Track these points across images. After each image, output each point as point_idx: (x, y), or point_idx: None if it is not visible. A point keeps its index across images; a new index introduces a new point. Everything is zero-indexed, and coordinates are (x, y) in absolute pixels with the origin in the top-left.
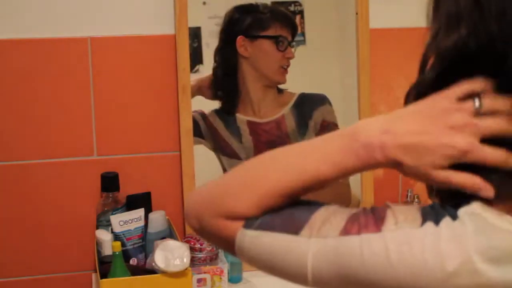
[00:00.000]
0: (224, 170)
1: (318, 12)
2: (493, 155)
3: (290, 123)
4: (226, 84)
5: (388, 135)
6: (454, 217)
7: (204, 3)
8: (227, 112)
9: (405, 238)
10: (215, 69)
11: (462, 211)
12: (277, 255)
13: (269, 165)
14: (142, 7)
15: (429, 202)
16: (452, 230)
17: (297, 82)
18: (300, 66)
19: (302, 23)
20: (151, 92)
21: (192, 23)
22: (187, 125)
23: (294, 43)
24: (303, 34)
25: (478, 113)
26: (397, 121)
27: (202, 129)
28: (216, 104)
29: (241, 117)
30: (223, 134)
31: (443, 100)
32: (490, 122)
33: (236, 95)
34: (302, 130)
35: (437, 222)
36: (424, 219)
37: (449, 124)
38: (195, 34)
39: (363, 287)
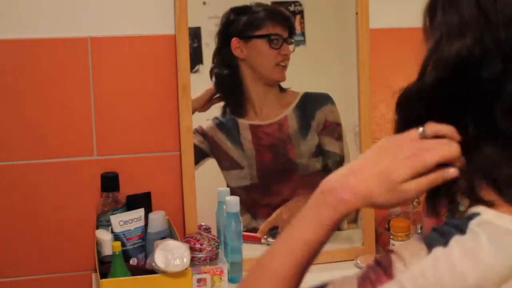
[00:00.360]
0: (229, 186)
1: (318, 12)
2: (446, 152)
3: (293, 125)
4: (230, 87)
5: (350, 176)
6: (463, 231)
7: (204, 3)
8: (235, 115)
9: (418, 272)
10: (213, 72)
11: (473, 224)
12: None
13: (263, 264)
14: (142, 7)
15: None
16: (463, 246)
17: (297, 82)
18: (300, 66)
19: (302, 23)
20: (151, 92)
21: (192, 23)
22: (187, 125)
23: (292, 39)
24: (303, 34)
25: (422, 136)
26: (354, 164)
27: (206, 148)
28: (212, 116)
29: (243, 122)
30: (225, 147)
31: (385, 140)
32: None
33: (241, 96)
34: (304, 131)
35: (445, 243)
36: (430, 246)
37: (396, 146)
38: (195, 34)
39: None
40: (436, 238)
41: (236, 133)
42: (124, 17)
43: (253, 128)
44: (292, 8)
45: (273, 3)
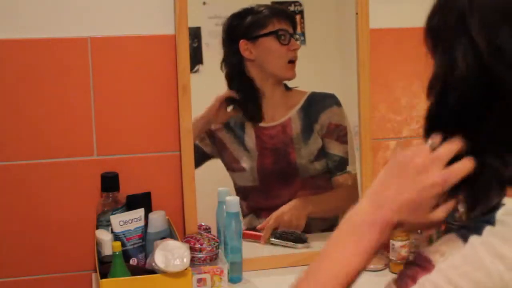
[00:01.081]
0: (235, 184)
1: (318, 12)
2: (463, 167)
3: (296, 127)
4: (244, 94)
5: (381, 210)
6: (492, 223)
7: (204, 3)
8: (253, 120)
9: (459, 259)
10: (227, 79)
11: (500, 214)
12: None
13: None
14: (142, 7)
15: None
16: (497, 234)
17: (297, 82)
18: (300, 66)
19: (302, 23)
20: (151, 92)
21: (192, 23)
22: (187, 125)
23: (297, 35)
24: (303, 34)
25: (433, 148)
26: (377, 192)
27: (210, 150)
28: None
29: (249, 123)
30: (231, 148)
31: (401, 158)
32: (443, 148)
33: (257, 101)
34: (306, 134)
35: (479, 233)
36: (465, 239)
37: (416, 170)
38: (195, 34)
39: None
40: (467, 232)
41: (242, 134)
42: (124, 17)
43: (258, 130)
44: (292, 8)
45: (273, 3)
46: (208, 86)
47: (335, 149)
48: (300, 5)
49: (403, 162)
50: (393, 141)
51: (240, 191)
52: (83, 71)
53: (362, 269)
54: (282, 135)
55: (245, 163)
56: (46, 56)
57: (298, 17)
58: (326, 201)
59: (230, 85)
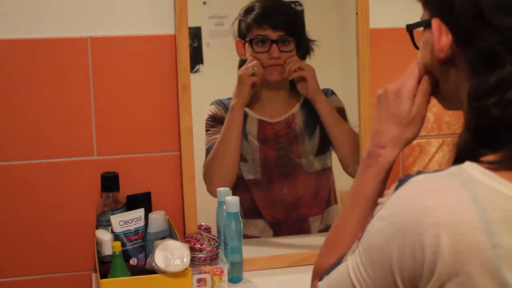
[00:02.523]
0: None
1: (318, 12)
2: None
3: (299, 122)
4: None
5: (375, 138)
6: (440, 171)
7: (204, 3)
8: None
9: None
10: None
11: (453, 168)
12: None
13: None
14: (142, 7)
15: None
16: (429, 175)
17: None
18: None
19: None
20: (151, 92)
21: (192, 23)
22: (187, 125)
23: (288, 38)
24: None
25: None
26: (375, 128)
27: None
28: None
29: (253, 115)
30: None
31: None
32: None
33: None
34: (310, 129)
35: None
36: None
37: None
38: (195, 34)
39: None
40: (408, 176)
41: (244, 123)
42: (124, 17)
43: (261, 123)
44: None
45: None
46: (208, 86)
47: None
48: (300, 5)
49: (380, 99)
50: None
51: (246, 184)
52: (83, 71)
53: (379, 188)
54: (286, 130)
55: (246, 154)
56: (46, 56)
57: None
58: (335, 114)
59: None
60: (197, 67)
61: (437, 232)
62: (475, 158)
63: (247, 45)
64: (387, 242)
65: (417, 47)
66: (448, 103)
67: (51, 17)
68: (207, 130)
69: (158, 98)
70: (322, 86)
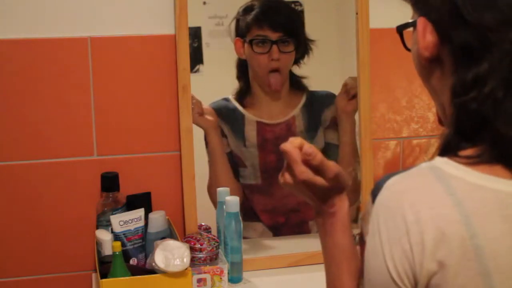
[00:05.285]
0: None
1: (318, 12)
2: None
3: (300, 125)
4: (241, 83)
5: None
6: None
7: (204, 3)
8: (239, 102)
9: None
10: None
11: (422, 165)
12: None
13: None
14: (142, 7)
15: None
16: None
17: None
18: (300, 66)
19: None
20: (151, 92)
21: (192, 23)
22: (187, 125)
23: (288, 39)
24: None
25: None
26: None
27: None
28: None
29: (251, 117)
30: (229, 135)
31: None
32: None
33: (246, 93)
34: (311, 133)
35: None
36: (373, 195)
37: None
38: (195, 34)
39: None
40: (379, 184)
41: (241, 127)
42: (124, 17)
43: (260, 125)
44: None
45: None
46: (208, 86)
47: (334, 139)
48: (300, 5)
49: None
50: (393, 141)
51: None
52: (83, 71)
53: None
54: (287, 132)
55: (245, 159)
56: (46, 56)
57: None
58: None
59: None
60: (197, 67)
61: (420, 229)
62: (454, 152)
63: (246, 45)
64: (382, 258)
65: (407, 49)
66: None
67: (51, 17)
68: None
69: (158, 98)
70: (322, 87)
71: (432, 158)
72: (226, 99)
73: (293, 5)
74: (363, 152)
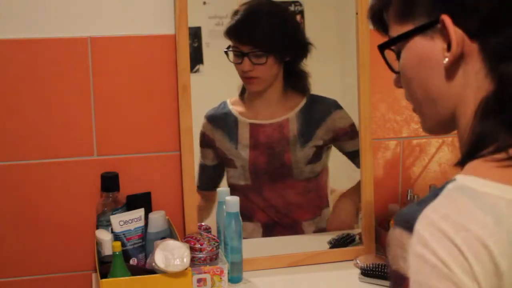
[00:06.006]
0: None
1: (318, 12)
2: None
3: (293, 129)
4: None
5: None
6: (437, 195)
7: (204, 3)
8: (234, 105)
9: (415, 262)
10: None
11: (449, 187)
12: None
13: None
14: (142, 7)
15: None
16: (436, 208)
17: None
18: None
19: (302, 23)
20: (151, 92)
21: (192, 23)
22: (187, 125)
23: (258, 52)
24: None
25: None
26: None
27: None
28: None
29: (244, 120)
30: (218, 143)
31: None
32: None
33: (244, 92)
34: (304, 138)
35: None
36: (410, 229)
37: None
38: (195, 34)
39: None
40: (409, 215)
41: (234, 130)
42: (124, 17)
43: (253, 127)
44: (292, 8)
45: (271, 3)
46: (208, 86)
47: (352, 146)
48: (300, 5)
49: None
50: (393, 141)
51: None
52: (83, 71)
53: None
54: (278, 134)
55: (236, 160)
56: (46, 56)
57: (298, 17)
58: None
59: None
60: (197, 67)
61: (470, 253)
62: (500, 150)
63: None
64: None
65: (395, 71)
66: (438, 119)
67: (51, 17)
68: (200, 145)
69: (158, 98)
70: (322, 87)
71: (459, 164)
72: (224, 103)
73: (293, 5)
74: (363, 152)
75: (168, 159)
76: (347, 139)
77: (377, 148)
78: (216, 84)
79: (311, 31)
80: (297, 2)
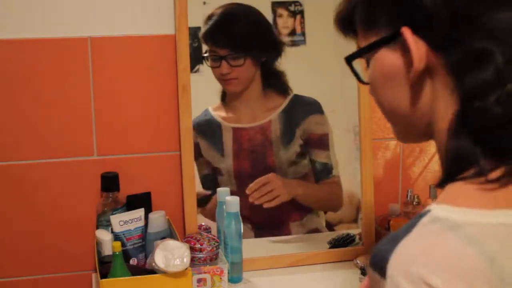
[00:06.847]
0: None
1: (318, 12)
2: None
3: (275, 130)
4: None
5: None
6: (409, 232)
7: (204, 3)
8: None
9: None
10: None
11: (423, 221)
12: None
13: None
14: (142, 7)
15: (429, 201)
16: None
17: (297, 83)
18: (300, 67)
19: (302, 23)
20: (151, 92)
21: (192, 23)
22: (187, 125)
23: (234, 54)
24: (303, 34)
25: None
26: None
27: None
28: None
29: (226, 125)
30: (204, 151)
31: None
32: None
33: (225, 96)
34: (287, 138)
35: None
36: (382, 271)
37: None
38: (195, 34)
39: None
40: (381, 256)
41: (218, 135)
42: (124, 17)
43: (236, 131)
44: (292, 8)
45: (272, 3)
46: (208, 86)
47: (319, 156)
48: (300, 5)
49: None
50: (393, 141)
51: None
52: (83, 71)
53: None
54: (261, 137)
55: (222, 168)
56: (46, 56)
57: (298, 17)
58: (313, 191)
59: None
60: (197, 67)
61: None
62: (479, 174)
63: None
64: None
65: (364, 82)
66: (411, 131)
67: (51, 17)
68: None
69: (158, 98)
70: (322, 87)
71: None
72: (206, 111)
73: (293, 5)
74: (363, 152)
75: (168, 159)
76: (316, 147)
77: (377, 148)
78: (216, 84)
79: (311, 31)
80: (297, 2)
